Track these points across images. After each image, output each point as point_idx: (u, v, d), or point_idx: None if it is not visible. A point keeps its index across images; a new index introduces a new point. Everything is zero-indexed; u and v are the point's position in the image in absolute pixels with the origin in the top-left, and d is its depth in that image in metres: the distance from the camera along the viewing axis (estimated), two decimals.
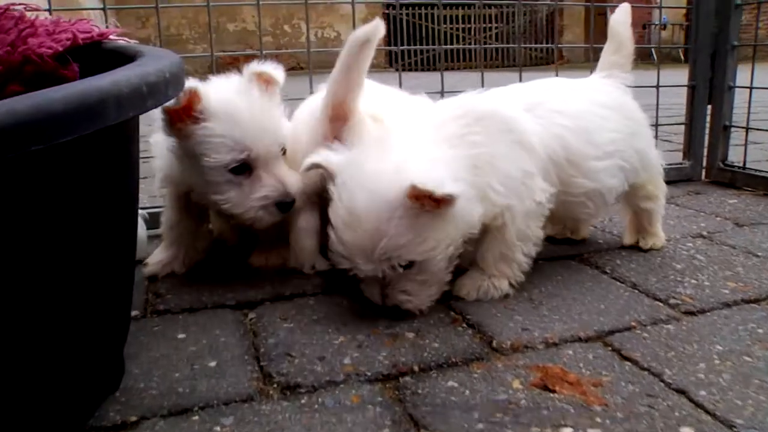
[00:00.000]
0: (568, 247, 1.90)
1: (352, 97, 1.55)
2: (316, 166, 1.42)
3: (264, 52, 1.94)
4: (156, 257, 1.80)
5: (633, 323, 1.36)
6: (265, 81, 1.60)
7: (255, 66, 1.58)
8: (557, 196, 1.50)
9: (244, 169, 1.56)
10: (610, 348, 1.26)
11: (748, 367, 1.16)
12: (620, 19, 1.80)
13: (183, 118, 1.48)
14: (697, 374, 1.14)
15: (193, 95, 1.47)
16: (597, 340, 1.29)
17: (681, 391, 1.09)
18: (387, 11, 12.18)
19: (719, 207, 2.34)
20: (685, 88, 2.78)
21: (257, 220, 1.60)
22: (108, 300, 1.06)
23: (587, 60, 12.97)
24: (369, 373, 1.18)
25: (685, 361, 1.19)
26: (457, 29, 16.37)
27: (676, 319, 1.37)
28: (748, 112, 2.62)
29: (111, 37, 1.33)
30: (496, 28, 16.98)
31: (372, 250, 1.27)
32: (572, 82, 1.72)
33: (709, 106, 2.74)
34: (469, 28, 16.56)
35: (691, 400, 1.06)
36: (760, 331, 1.30)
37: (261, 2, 2.18)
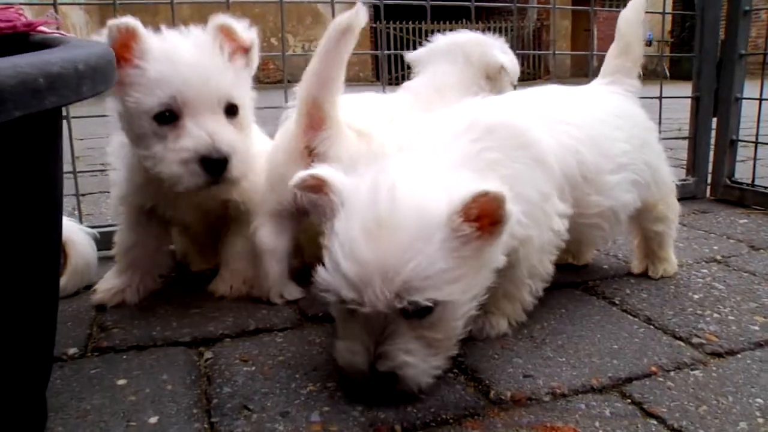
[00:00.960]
0: (571, 273, 1.71)
1: (330, 99, 1.35)
2: (314, 178, 1.11)
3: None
4: (106, 283, 1.58)
5: (653, 368, 1.16)
6: (230, 38, 1.39)
7: (221, 18, 1.38)
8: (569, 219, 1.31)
9: (172, 118, 1.31)
10: (629, 401, 1.05)
11: None
12: (630, 17, 1.58)
13: (119, 60, 1.26)
14: None
15: (129, 33, 1.28)
16: (612, 390, 1.09)
17: None
18: (374, 25, 12.08)
19: (729, 228, 2.16)
20: (686, 101, 2.62)
21: (177, 180, 1.31)
22: (15, 333, 0.84)
23: (573, 75, 12.90)
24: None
25: (722, 419, 0.99)
26: None
27: (703, 363, 1.18)
28: (758, 125, 2.46)
29: (41, 28, 1.13)
30: None
31: (393, 275, 0.96)
32: (573, 90, 1.53)
33: (714, 119, 2.58)
34: None
35: None
36: None
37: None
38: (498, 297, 1.26)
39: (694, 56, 2.54)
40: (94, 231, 1.73)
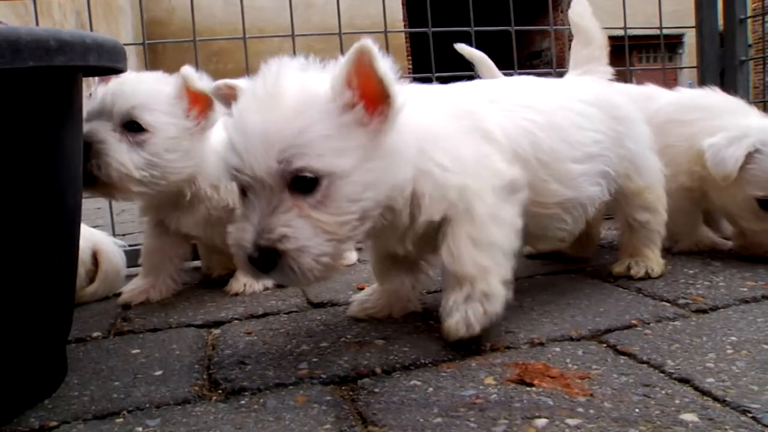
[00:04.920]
0: (570, 263, 1.74)
1: None
2: (228, 87, 1.15)
3: None
4: (132, 285, 1.72)
5: (634, 321, 1.19)
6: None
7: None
8: (525, 208, 1.20)
9: None
10: (604, 345, 1.09)
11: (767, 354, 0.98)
12: (580, 11, 1.60)
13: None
14: (706, 364, 0.96)
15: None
16: (591, 339, 1.13)
17: (684, 380, 0.91)
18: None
19: None
20: None
21: None
22: (32, 300, 0.97)
23: None
24: (324, 376, 1.04)
25: (691, 352, 1.01)
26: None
27: (684, 317, 1.20)
28: None
29: None
30: None
31: (274, 140, 0.97)
32: (545, 80, 1.53)
33: None
34: None
35: (696, 388, 0.89)
36: None
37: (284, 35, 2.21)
38: (469, 249, 1.12)
39: (695, 67, 2.60)
40: (124, 243, 1.89)
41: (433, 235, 1.17)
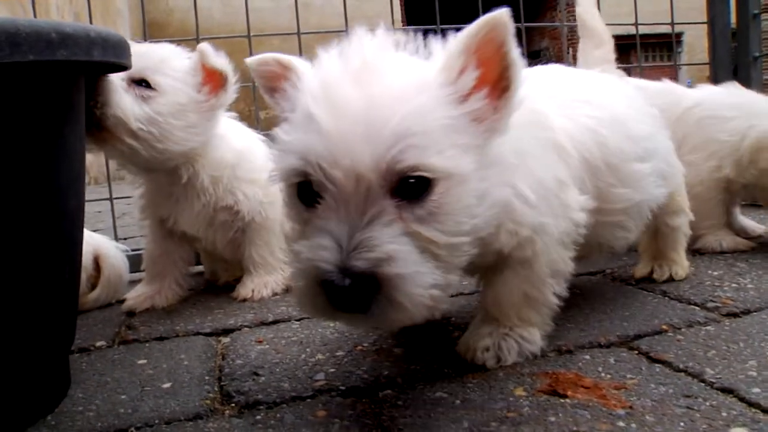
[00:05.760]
0: (589, 264, 1.68)
1: None
2: (278, 63, 0.94)
3: None
4: (136, 292, 1.67)
5: (664, 326, 1.14)
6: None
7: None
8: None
9: None
10: (636, 352, 1.04)
11: None
12: (590, 9, 1.52)
13: None
14: (748, 372, 0.91)
15: None
16: (621, 346, 1.08)
17: (728, 390, 0.86)
18: None
19: (755, 219, 2.10)
20: None
21: None
22: (41, 290, 0.91)
23: None
24: (343, 388, 0.99)
25: (730, 360, 0.96)
26: None
27: (716, 321, 1.15)
28: None
29: None
30: None
31: (393, 127, 0.73)
32: (579, 70, 1.42)
33: None
34: None
35: (741, 399, 0.84)
36: None
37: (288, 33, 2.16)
38: (521, 305, 1.04)
39: (707, 64, 2.56)
40: (127, 248, 1.84)
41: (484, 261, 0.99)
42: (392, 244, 0.72)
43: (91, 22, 2.11)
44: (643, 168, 1.17)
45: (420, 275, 0.74)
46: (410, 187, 0.75)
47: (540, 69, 1.28)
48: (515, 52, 0.80)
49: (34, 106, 0.85)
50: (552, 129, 1.04)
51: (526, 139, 0.96)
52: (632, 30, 2.43)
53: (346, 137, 0.73)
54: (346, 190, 0.74)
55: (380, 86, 0.75)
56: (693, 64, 8.96)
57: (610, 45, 1.51)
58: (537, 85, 1.11)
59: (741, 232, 1.82)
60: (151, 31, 2.44)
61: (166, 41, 1.55)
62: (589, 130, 1.09)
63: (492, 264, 1.01)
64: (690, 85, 2.16)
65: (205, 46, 1.48)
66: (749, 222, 1.91)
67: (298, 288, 0.78)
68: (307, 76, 0.83)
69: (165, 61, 1.46)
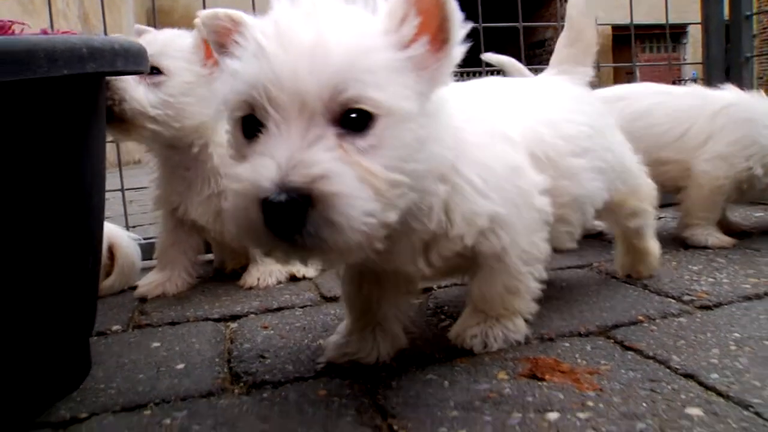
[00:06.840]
0: (574, 257, 1.78)
1: None
2: (229, 19, 0.92)
3: None
4: (148, 279, 1.76)
5: (640, 317, 1.23)
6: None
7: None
8: None
9: None
10: (612, 340, 1.13)
11: None
12: (580, 4, 1.46)
13: None
14: (710, 359, 1.00)
15: None
16: (599, 335, 1.17)
17: (689, 376, 0.95)
18: None
19: (744, 218, 2.18)
20: None
21: None
22: (58, 294, 1.01)
23: None
24: (342, 370, 1.08)
25: (696, 348, 1.05)
26: None
27: (689, 313, 1.24)
28: None
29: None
30: None
31: (338, 59, 0.77)
32: (515, 80, 1.45)
33: None
34: None
35: (700, 383, 0.92)
36: None
37: None
38: (502, 295, 1.11)
39: (701, 63, 2.63)
40: (139, 237, 1.93)
41: (460, 262, 1.07)
42: (331, 164, 0.74)
43: (104, 10, 2.25)
44: (579, 162, 1.21)
45: (357, 199, 0.75)
46: (352, 121, 0.78)
47: (478, 81, 1.33)
48: (452, 5, 0.83)
49: (66, 112, 0.94)
50: (496, 123, 1.10)
51: (469, 131, 1.00)
52: (639, 21, 2.50)
53: (294, 66, 0.76)
54: (289, 115, 0.76)
55: (328, 26, 0.79)
56: (689, 63, 9.01)
57: (585, 43, 1.47)
58: (476, 95, 1.21)
59: (728, 226, 1.91)
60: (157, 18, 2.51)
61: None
62: (528, 127, 1.15)
63: (471, 262, 1.09)
64: (695, 77, 2.28)
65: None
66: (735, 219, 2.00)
67: (233, 208, 0.77)
68: (258, 26, 0.84)
69: (168, 44, 1.59)
